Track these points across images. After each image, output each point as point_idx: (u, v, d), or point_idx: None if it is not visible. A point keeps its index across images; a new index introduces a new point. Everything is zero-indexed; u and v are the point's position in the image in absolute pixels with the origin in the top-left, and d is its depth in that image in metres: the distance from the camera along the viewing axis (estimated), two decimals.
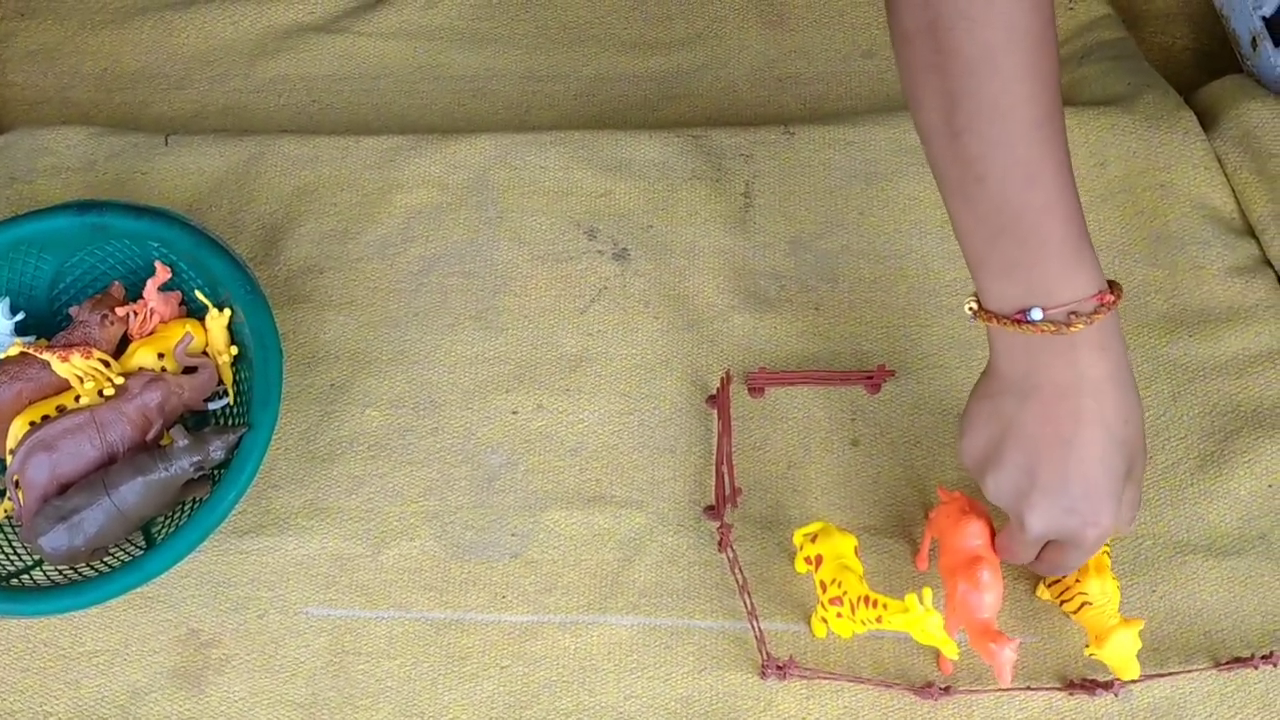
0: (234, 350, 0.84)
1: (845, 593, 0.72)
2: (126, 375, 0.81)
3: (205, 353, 0.84)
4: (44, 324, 0.87)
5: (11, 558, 0.80)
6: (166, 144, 0.98)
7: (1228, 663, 0.77)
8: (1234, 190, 0.95)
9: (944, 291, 0.91)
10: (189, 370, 0.83)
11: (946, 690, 0.75)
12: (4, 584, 0.77)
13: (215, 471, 0.81)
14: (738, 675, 0.78)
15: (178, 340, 0.83)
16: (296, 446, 0.86)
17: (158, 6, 1.09)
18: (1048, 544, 0.71)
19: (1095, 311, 0.64)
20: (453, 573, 0.82)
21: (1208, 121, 0.97)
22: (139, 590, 0.78)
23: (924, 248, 0.93)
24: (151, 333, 0.84)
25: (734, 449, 0.84)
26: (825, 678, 0.77)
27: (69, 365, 0.80)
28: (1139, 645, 0.72)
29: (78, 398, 0.81)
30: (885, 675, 0.78)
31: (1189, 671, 0.77)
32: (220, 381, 0.85)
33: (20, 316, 0.85)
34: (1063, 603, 0.75)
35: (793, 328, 0.90)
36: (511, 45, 1.08)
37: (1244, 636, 0.79)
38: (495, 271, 0.92)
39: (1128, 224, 0.93)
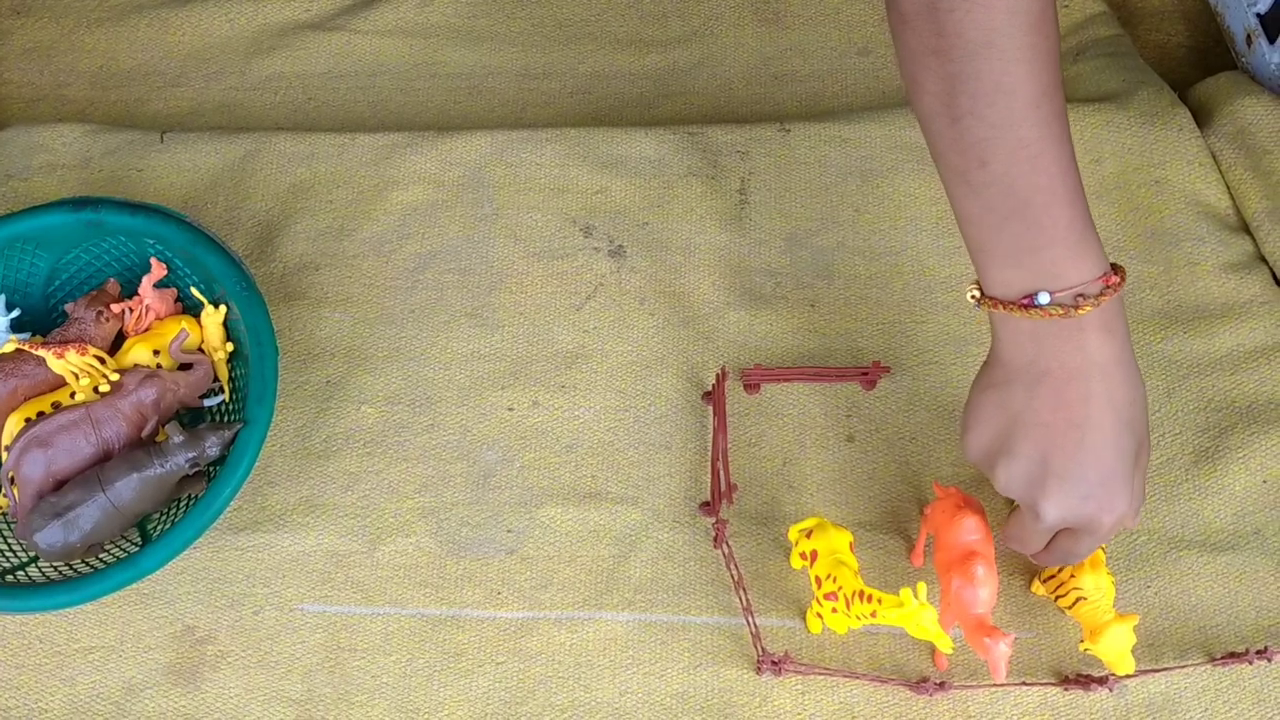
0: (229, 347, 0.84)
1: (840, 588, 0.72)
2: (122, 372, 0.81)
3: (201, 349, 0.84)
4: (39, 321, 0.87)
5: (6, 554, 0.80)
6: (162, 141, 0.98)
7: (1222, 658, 0.77)
8: (1229, 187, 0.95)
9: (939, 288, 0.91)
10: (184, 367, 0.83)
11: (942, 685, 0.75)
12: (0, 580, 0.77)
13: (211, 468, 0.81)
14: (733, 671, 0.78)
15: (173, 337, 0.83)
16: (292, 443, 0.86)
17: (154, 4, 1.09)
18: (1059, 532, 0.70)
19: (1101, 294, 0.63)
20: (448, 569, 0.82)
21: (1202, 118, 0.97)
22: (134, 587, 0.78)
23: (919, 244, 0.93)
24: (147, 329, 0.84)
25: (729, 445, 0.84)
26: (821, 673, 0.77)
27: (64, 362, 0.80)
28: (1134, 640, 0.72)
29: (73, 394, 0.81)
30: (881, 671, 0.78)
31: (1184, 667, 0.77)
32: (216, 378, 0.85)
33: (16, 313, 0.85)
34: (1058, 598, 0.75)
35: (788, 324, 0.90)
36: (507, 42, 1.08)
37: (1239, 632, 0.79)
38: (491, 268, 0.92)
39: (1123, 220, 0.93)
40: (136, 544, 0.81)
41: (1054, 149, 0.63)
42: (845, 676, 0.76)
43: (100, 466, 0.78)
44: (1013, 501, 0.83)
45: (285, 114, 1.05)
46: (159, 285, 0.85)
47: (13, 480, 0.78)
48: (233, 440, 0.78)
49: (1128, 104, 0.97)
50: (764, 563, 0.81)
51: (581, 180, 0.95)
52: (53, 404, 0.80)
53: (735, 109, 1.04)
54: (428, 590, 0.81)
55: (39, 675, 0.79)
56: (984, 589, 0.71)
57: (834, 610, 0.73)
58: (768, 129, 0.98)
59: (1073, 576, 0.74)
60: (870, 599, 0.71)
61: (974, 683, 0.77)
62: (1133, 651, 0.73)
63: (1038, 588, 0.79)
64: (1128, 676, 0.74)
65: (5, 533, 0.81)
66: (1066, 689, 0.76)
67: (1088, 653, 0.75)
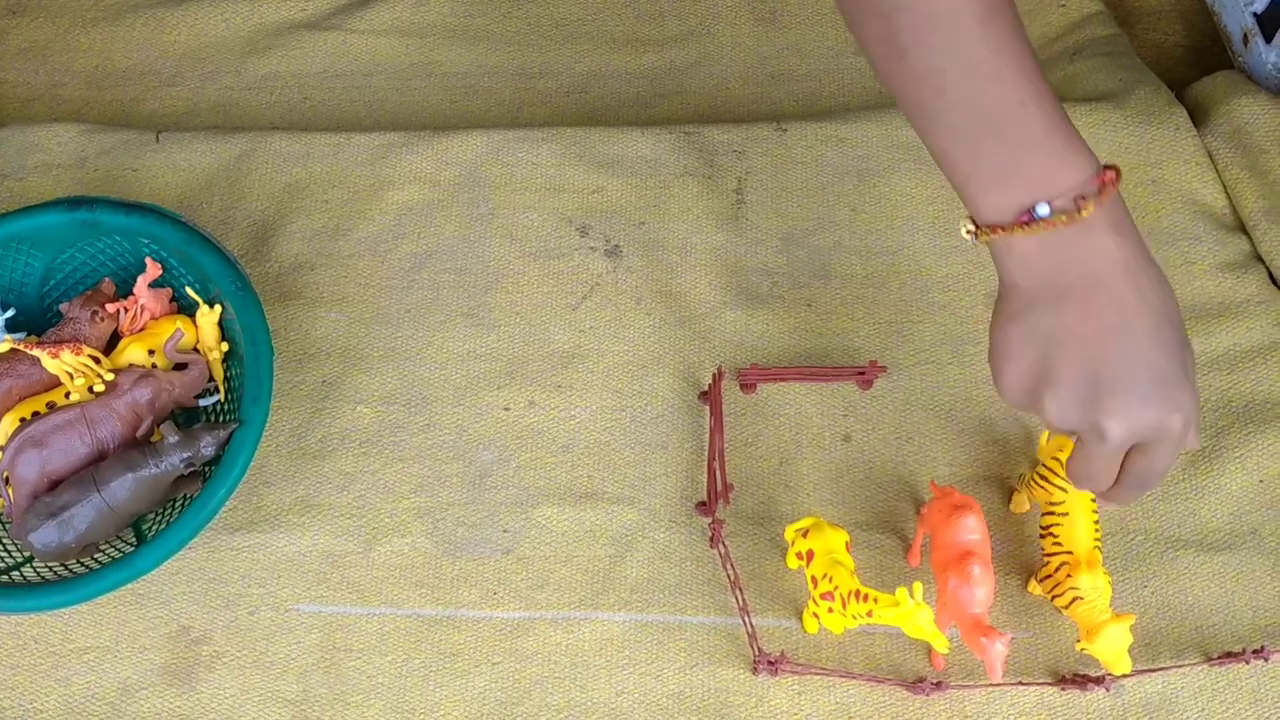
0: (225, 347, 0.84)
1: (836, 587, 0.72)
2: (117, 371, 0.81)
3: (196, 349, 0.84)
4: (34, 320, 0.87)
5: (1, 554, 0.80)
6: (158, 141, 0.98)
7: (1219, 657, 0.77)
8: (1225, 186, 0.95)
9: (936, 288, 0.91)
10: (180, 367, 0.83)
11: (938, 685, 0.75)
12: None
13: (206, 468, 0.81)
14: (730, 671, 0.78)
15: (168, 337, 0.83)
16: (287, 443, 0.86)
17: (149, 4, 1.09)
18: (1129, 455, 0.64)
19: (1101, 191, 0.60)
20: (444, 569, 0.82)
21: (1199, 117, 0.98)
22: (129, 587, 0.78)
23: (916, 244, 0.93)
24: (142, 329, 0.84)
25: (726, 445, 0.84)
26: (817, 673, 0.77)
27: (59, 362, 0.80)
28: (1130, 640, 0.72)
29: (68, 394, 0.81)
30: (877, 670, 0.77)
31: (1181, 666, 0.77)
32: (211, 378, 0.84)
33: (11, 313, 0.85)
34: (1054, 598, 0.75)
35: (785, 324, 0.90)
36: (504, 42, 1.08)
37: (1235, 631, 0.79)
38: (487, 268, 0.92)
39: None
40: (131, 544, 0.81)
41: (1013, 62, 0.60)
42: (841, 676, 0.76)
43: (95, 466, 0.78)
44: (1022, 490, 0.83)
45: (281, 114, 1.05)
46: (154, 285, 0.85)
47: (7, 480, 0.78)
48: (228, 440, 0.78)
49: (1124, 103, 0.97)
50: (760, 562, 0.81)
51: (578, 180, 0.95)
52: (48, 404, 0.80)
53: (732, 108, 1.04)
54: (423, 590, 0.81)
55: (34, 676, 0.79)
56: (980, 589, 0.71)
57: (830, 610, 0.73)
58: (764, 128, 0.98)
59: (1069, 576, 0.74)
60: (866, 598, 0.71)
61: (970, 683, 0.77)
62: (1129, 651, 0.73)
63: (1034, 587, 0.79)
64: (1124, 676, 0.74)
65: (0, 533, 0.81)
66: (1063, 689, 0.76)
67: (1084, 652, 0.74)
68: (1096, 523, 0.76)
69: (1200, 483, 0.83)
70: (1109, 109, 0.96)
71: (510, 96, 1.06)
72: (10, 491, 0.78)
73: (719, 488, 0.80)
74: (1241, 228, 0.94)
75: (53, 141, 0.98)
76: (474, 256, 0.93)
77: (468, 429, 0.86)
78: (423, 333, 0.90)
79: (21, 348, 0.80)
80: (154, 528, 0.81)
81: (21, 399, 0.81)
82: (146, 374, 0.80)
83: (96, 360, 0.81)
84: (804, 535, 0.76)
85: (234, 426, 0.78)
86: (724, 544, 0.79)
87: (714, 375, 0.84)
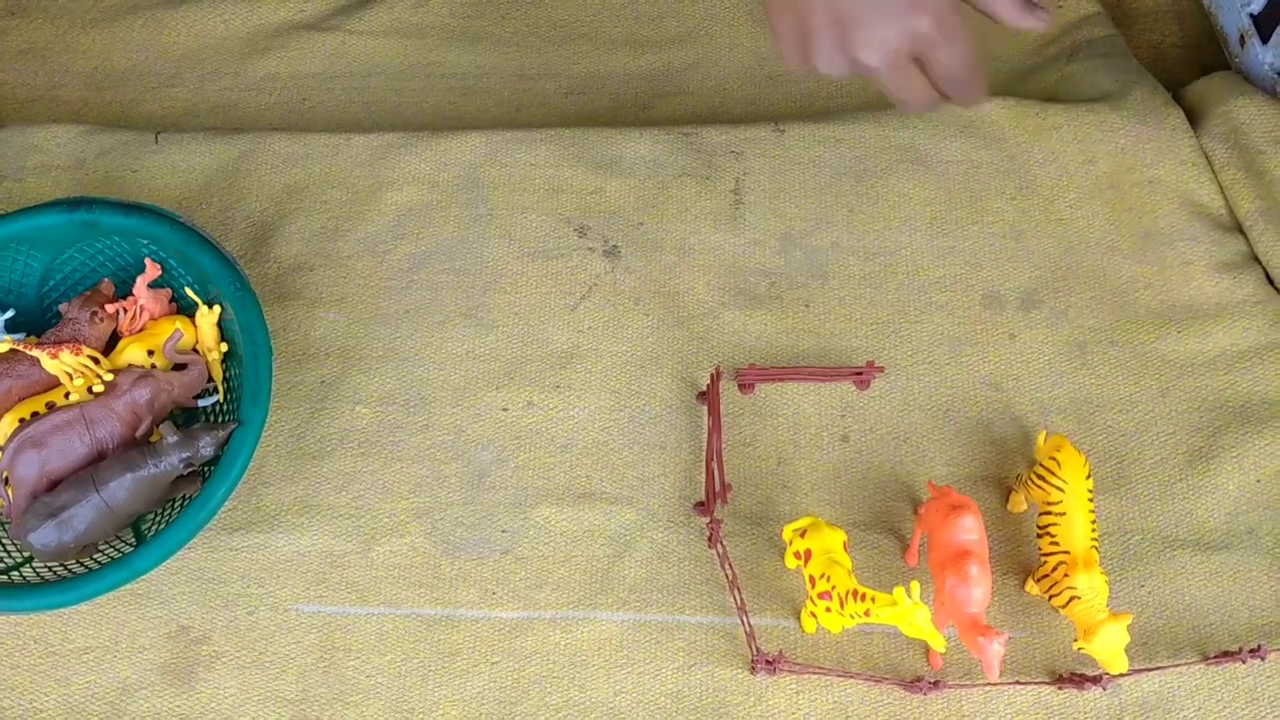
0: (224, 347, 0.84)
1: (834, 587, 0.73)
2: (116, 372, 0.81)
3: (195, 349, 0.84)
4: (34, 321, 0.87)
5: (1, 554, 0.80)
6: (157, 142, 0.98)
7: (1216, 657, 0.77)
8: (1221, 187, 0.95)
9: (933, 288, 0.91)
10: (179, 367, 0.83)
11: (936, 685, 0.76)
12: None
13: (205, 468, 0.81)
14: (728, 670, 0.78)
15: (167, 337, 0.83)
16: (286, 443, 0.86)
17: (148, 5, 1.09)
18: (928, 68, 0.69)
19: None
20: (443, 569, 0.82)
21: (1196, 118, 0.98)
22: (129, 587, 0.78)
23: (913, 244, 0.93)
24: (141, 329, 0.84)
25: (724, 445, 0.84)
26: (815, 672, 0.77)
27: (58, 362, 0.80)
28: (1127, 640, 0.73)
29: (67, 394, 0.81)
30: (875, 670, 0.78)
31: (1177, 666, 0.77)
32: (210, 378, 0.85)
33: (10, 314, 0.85)
34: (1051, 597, 0.76)
35: (782, 324, 0.90)
36: (502, 43, 1.08)
37: (1232, 631, 0.79)
38: (485, 269, 0.92)
39: (1116, 220, 0.93)
40: (131, 544, 0.81)
41: None
42: (839, 676, 0.77)
43: (94, 467, 0.78)
44: (1004, 500, 0.83)
45: (280, 115, 1.05)
46: (153, 285, 0.85)
47: (7, 480, 0.78)
48: (227, 440, 0.78)
49: (1121, 104, 0.97)
50: (758, 562, 0.81)
51: (576, 180, 0.96)
52: (47, 404, 0.80)
53: (730, 109, 1.04)
54: (422, 590, 0.81)
55: (34, 676, 0.79)
56: (978, 588, 0.71)
57: (828, 609, 0.74)
58: (762, 129, 0.98)
59: (1066, 576, 0.74)
60: (864, 598, 0.71)
61: (968, 682, 0.77)
62: (1126, 650, 0.73)
63: (1031, 587, 0.79)
64: (1121, 675, 0.74)
65: (0, 533, 0.81)
66: (1060, 688, 0.77)
67: (1081, 652, 0.75)
68: (1094, 522, 0.76)
69: (1197, 482, 0.84)
70: (1106, 110, 0.97)
71: (509, 97, 1.06)
72: (9, 492, 0.78)
73: (717, 488, 0.80)
74: (1238, 228, 0.94)
75: (52, 142, 0.98)
76: (472, 257, 0.93)
77: (466, 429, 0.86)
78: (421, 333, 0.90)
79: (21, 348, 0.80)
80: (153, 528, 0.81)
81: (21, 399, 0.81)
82: (146, 374, 0.80)
83: (96, 361, 0.81)
84: (802, 535, 0.76)
85: (233, 427, 0.78)
86: (722, 544, 0.79)
87: (712, 375, 0.84)
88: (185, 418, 0.86)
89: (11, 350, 0.81)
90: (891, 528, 0.83)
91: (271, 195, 0.96)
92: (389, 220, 0.94)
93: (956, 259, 0.92)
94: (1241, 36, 1.02)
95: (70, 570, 0.78)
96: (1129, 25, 1.10)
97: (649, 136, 0.97)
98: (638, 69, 1.07)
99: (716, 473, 0.80)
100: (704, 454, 0.85)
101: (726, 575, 0.79)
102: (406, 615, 0.80)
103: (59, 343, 0.80)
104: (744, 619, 0.77)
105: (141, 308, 0.84)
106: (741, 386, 0.87)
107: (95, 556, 0.79)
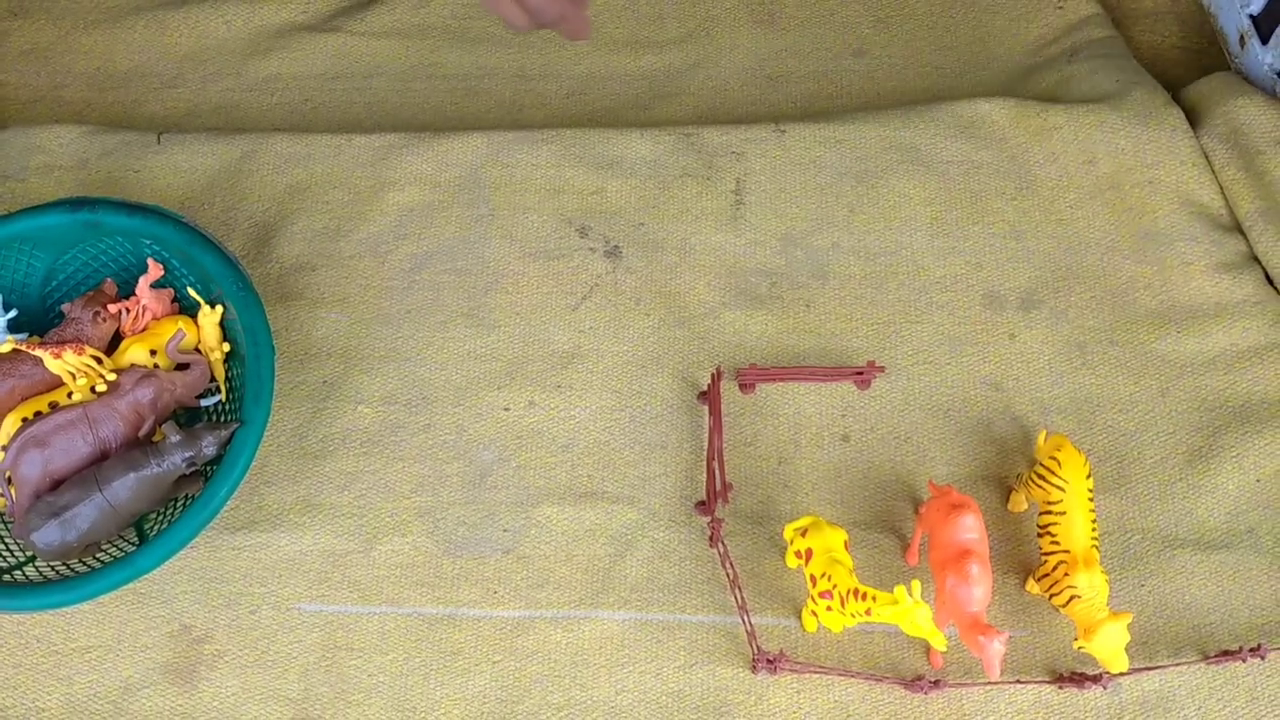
0: (226, 347, 0.84)
1: (835, 586, 0.73)
2: (119, 371, 0.81)
3: (197, 349, 0.84)
4: (37, 321, 0.87)
5: (4, 553, 0.80)
6: (159, 142, 0.98)
7: (1216, 656, 0.77)
8: (1221, 187, 0.95)
9: (934, 288, 0.91)
10: (181, 367, 0.83)
11: (936, 684, 0.76)
12: None
13: (207, 468, 0.81)
14: (729, 669, 0.78)
15: (170, 337, 0.83)
16: (289, 443, 0.86)
17: (150, 6, 1.09)
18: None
19: None
20: (445, 568, 0.82)
21: (1195, 118, 0.98)
22: (131, 586, 0.78)
23: (914, 245, 0.93)
24: (144, 329, 0.84)
25: (725, 445, 0.85)
26: (816, 671, 0.77)
27: (61, 362, 0.80)
28: (1128, 639, 0.73)
29: (70, 394, 0.81)
30: (875, 669, 0.78)
31: (1178, 665, 0.77)
32: (212, 378, 0.85)
33: (13, 313, 0.85)
34: (1052, 596, 0.76)
35: (783, 324, 0.90)
36: (503, 44, 1.08)
37: (1232, 630, 0.79)
38: (487, 269, 0.93)
39: (1116, 220, 0.94)
40: (133, 543, 0.81)
41: None
42: (840, 675, 0.77)
43: (97, 466, 0.78)
44: (1006, 502, 0.83)
45: (282, 115, 1.05)
46: (156, 285, 0.85)
47: (10, 480, 0.78)
48: (229, 440, 0.78)
49: (1121, 105, 0.97)
50: (759, 561, 0.82)
51: (577, 181, 0.96)
52: (50, 404, 0.81)
53: (731, 110, 1.05)
54: (424, 589, 0.81)
55: (36, 674, 0.79)
56: (978, 587, 0.72)
57: (829, 608, 0.74)
58: (763, 130, 0.98)
59: (1067, 575, 0.74)
60: (865, 597, 0.71)
61: (969, 681, 0.77)
62: (1127, 649, 0.73)
63: (1032, 586, 0.79)
64: (1122, 674, 0.74)
65: (2, 532, 0.81)
66: (1061, 687, 0.77)
67: (1082, 651, 0.75)
68: (1094, 522, 0.76)
69: (1197, 482, 0.84)
70: (1106, 110, 0.97)
71: (510, 98, 1.06)
72: (13, 491, 0.78)
73: (718, 487, 0.80)
74: (1238, 228, 0.94)
75: (54, 143, 0.98)
76: (474, 257, 0.93)
77: (468, 429, 0.87)
78: (423, 333, 0.90)
79: (24, 348, 0.81)
80: (156, 527, 0.82)
81: (24, 399, 0.81)
82: (148, 374, 0.80)
83: (99, 360, 0.81)
84: (803, 534, 0.76)
85: (235, 426, 0.78)
86: (723, 543, 0.80)
87: (713, 375, 0.84)
88: (188, 417, 0.86)
89: (14, 350, 0.81)
90: (892, 527, 0.83)
91: (274, 195, 0.96)
92: (391, 220, 0.95)
93: (957, 259, 0.92)
94: (1241, 37, 1.02)
95: (73, 569, 0.78)
96: (1129, 26, 1.10)
97: (650, 137, 0.97)
98: (638, 69, 1.07)
99: (718, 472, 0.80)
100: (705, 453, 0.85)
101: (728, 574, 0.79)
102: (408, 614, 0.80)
103: (62, 342, 0.81)
104: (745, 618, 0.77)
105: (144, 307, 0.84)
106: (742, 386, 0.87)
107: (98, 556, 0.79)
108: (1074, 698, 0.77)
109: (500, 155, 0.97)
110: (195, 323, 0.84)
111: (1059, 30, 1.06)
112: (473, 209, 0.95)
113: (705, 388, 0.88)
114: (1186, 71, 1.07)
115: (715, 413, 0.83)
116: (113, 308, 0.84)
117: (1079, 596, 0.73)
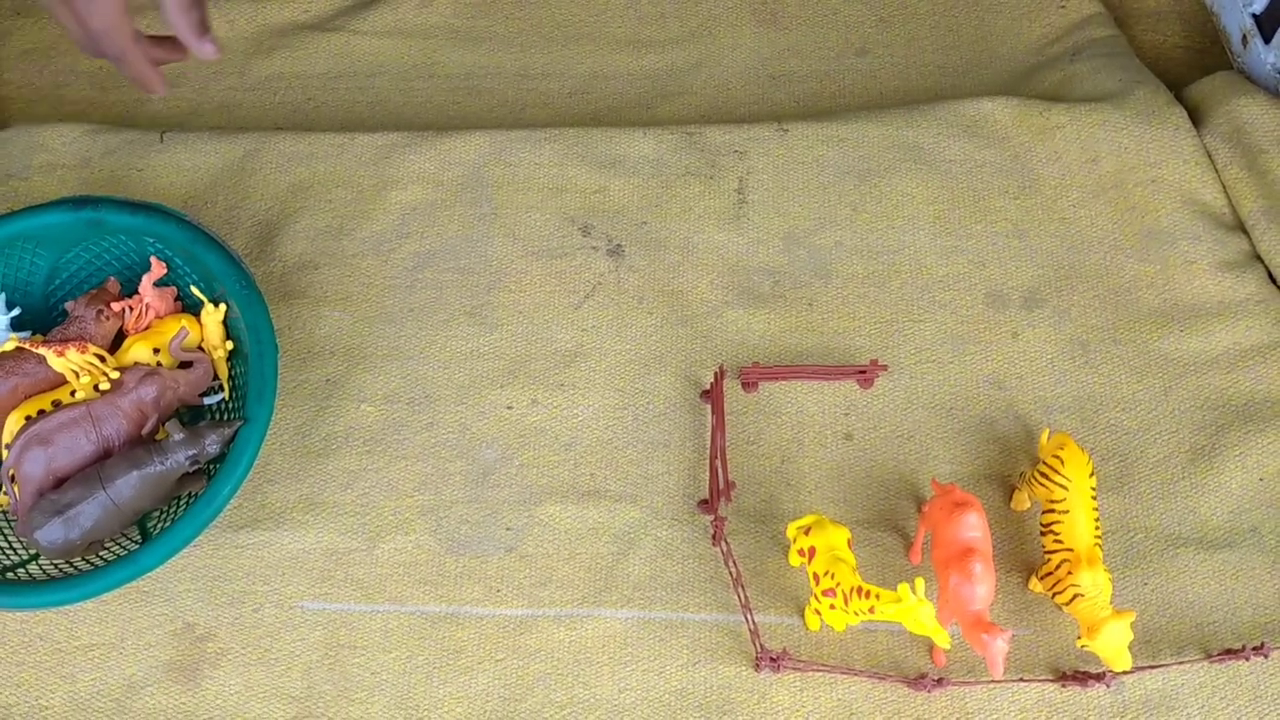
0: (229, 345, 0.84)
1: (838, 584, 0.73)
2: (122, 370, 0.81)
3: (200, 348, 0.84)
4: (40, 319, 0.87)
5: (7, 552, 0.80)
6: (162, 141, 0.98)
7: (1219, 654, 0.77)
8: (1224, 186, 0.95)
9: (936, 287, 0.91)
10: (184, 365, 0.83)
11: (940, 682, 0.76)
12: (0, 578, 0.77)
13: (210, 466, 0.81)
14: (732, 668, 0.78)
15: (173, 335, 0.83)
16: (292, 441, 0.86)
17: (153, 4, 1.09)
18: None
19: None
20: (448, 567, 0.82)
21: (1198, 118, 0.98)
22: (134, 584, 0.78)
23: (917, 243, 0.93)
24: (147, 328, 0.84)
25: (727, 444, 0.85)
26: (819, 670, 0.77)
27: (65, 360, 0.80)
28: (1131, 637, 0.73)
29: (73, 392, 0.81)
30: (879, 667, 0.78)
31: (1181, 663, 0.77)
32: (215, 376, 0.85)
33: (16, 312, 0.85)
34: (1055, 595, 0.76)
35: (786, 323, 0.90)
36: (506, 43, 1.08)
37: (1235, 628, 0.79)
38: (490, 267, 0.93)
39: (1119, 219, 0.94)
40: (137, 541, 0.81)
41: None
42: (843, 673, 0.77)
43: (100, 464, 0.78)
44: (1010, 500, 0.83)
45: (285, 114, 1.05)
46: (159, 284, 0.85)
47: (13, 478, 0.78)
48: (233, 438, 0.78)
49: (1124, 104, 0.97)
50: (762, 560, 0.82)
51: (580, 180, 0.96)
52: (53, 402, 0.81)
53: (733, 109, 1.05)
54: (427, 588, 0.81)
55: (40, 672, 0.79)
56: (981, 586, 0.72)
57: (832, 607, 0.74)
58: (766, 129, 0.98)
59: (1070, 573, 0.74)
60: (868, 595, 0.71)
61: (972, 679, 0.77)
62: (1130, 648, 0.73)
63: (1035, 585, 0.79)
64: (1125, 673, 0.74)
65: (6, 530, 0.81)
66: (1064, 685, 0.77)
67: (1085, 649, 0.75)
68: (1097, 520, 0.76)
69: (1200, 481, 0.84)
70: (1109, 109, 0.97)
71: (513, 97, 1.06)
72: (16, 489, 0.78)
73: (721, 485, 0.80)
74: (1240, 227, 0.94)
75: (57, 141, 0.98)
76: (477, 256, 0.93)
77: (471, 427, 0.87)
78: (426, 331, 0.90)
79: (27, 346, 0.81)
80: (159, 525, 0.82)
81: (27, 397, 0.81)
82: (152, 372, 0.81)
83: (102, 359, 0.82)
84: (806, 532, 0.76)
85: (238, 424, 0.78)
86: (726, 541, 0.80)
87: (716, 374, 0.84)
88: (191, 415, 0.86)
89: (18, 348, 0.81)
90: (895, 525, 0.83)
91: (276, 194, 0.96)
92: (394, 219, 0.95)
93: (960, 258, 0.92)
94: (1244, 36, 1.02)
95: (76, 567, 0.78)
96: (1131, 25, 1.10)
97: (652, 136, 0.98)
98: (641, 69, 1.07)
99: (720, 470, 0.80)
100: (708, 452, 0.85)
101: (730, 573, 0.79)
102: (411, 612, 0.80)
103: (65, 341, 0.81)
104: (748, 616, 0.77)
105: (147, 306, 0.84)
106: (745, 385, 0.87)
107: (101, 554, 0.79)
108: (1077, 696, 0.77)
109: (503, 154, 0.97)
110: (198, 321, 0.84)
111: (1062, 29, 1.06)
112: (475, 208, 0.95)
113: (708, 386, 0.88)
114: (1189, 71, 1.07)
115: (718, 411, 0.83)
116: (116, 306, 0.84)
117: (1082, 595, 0.73)
